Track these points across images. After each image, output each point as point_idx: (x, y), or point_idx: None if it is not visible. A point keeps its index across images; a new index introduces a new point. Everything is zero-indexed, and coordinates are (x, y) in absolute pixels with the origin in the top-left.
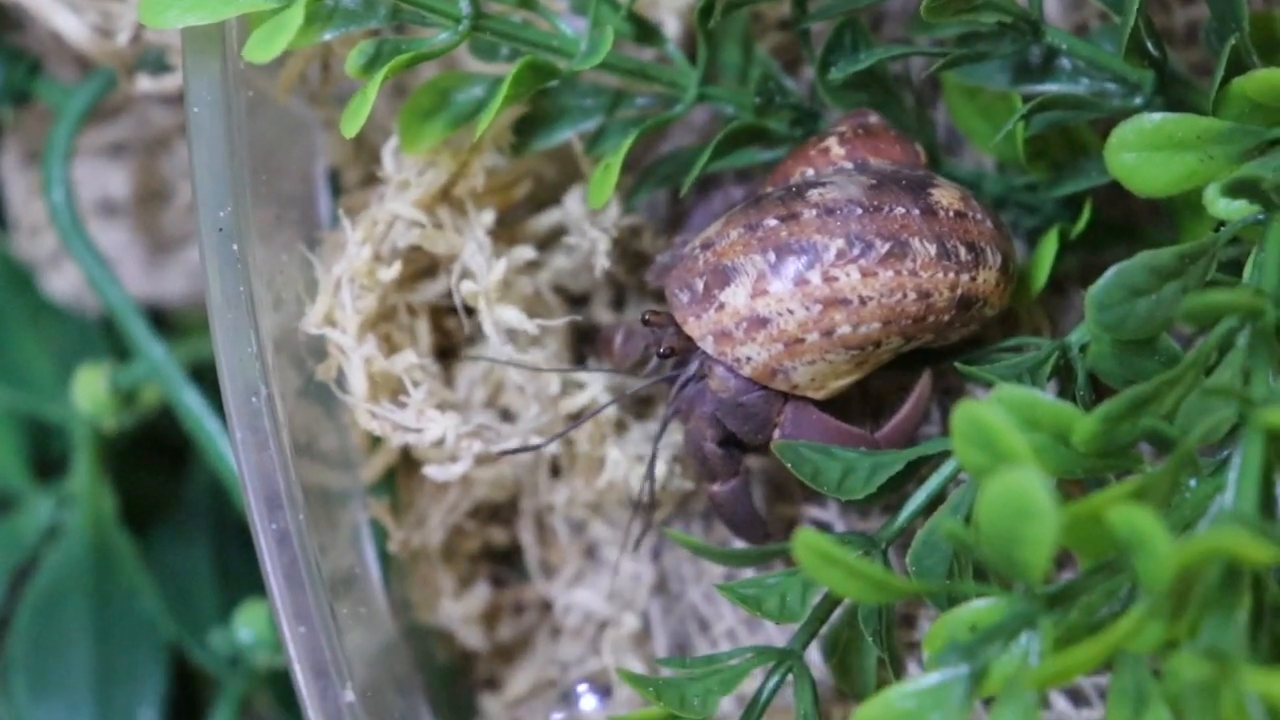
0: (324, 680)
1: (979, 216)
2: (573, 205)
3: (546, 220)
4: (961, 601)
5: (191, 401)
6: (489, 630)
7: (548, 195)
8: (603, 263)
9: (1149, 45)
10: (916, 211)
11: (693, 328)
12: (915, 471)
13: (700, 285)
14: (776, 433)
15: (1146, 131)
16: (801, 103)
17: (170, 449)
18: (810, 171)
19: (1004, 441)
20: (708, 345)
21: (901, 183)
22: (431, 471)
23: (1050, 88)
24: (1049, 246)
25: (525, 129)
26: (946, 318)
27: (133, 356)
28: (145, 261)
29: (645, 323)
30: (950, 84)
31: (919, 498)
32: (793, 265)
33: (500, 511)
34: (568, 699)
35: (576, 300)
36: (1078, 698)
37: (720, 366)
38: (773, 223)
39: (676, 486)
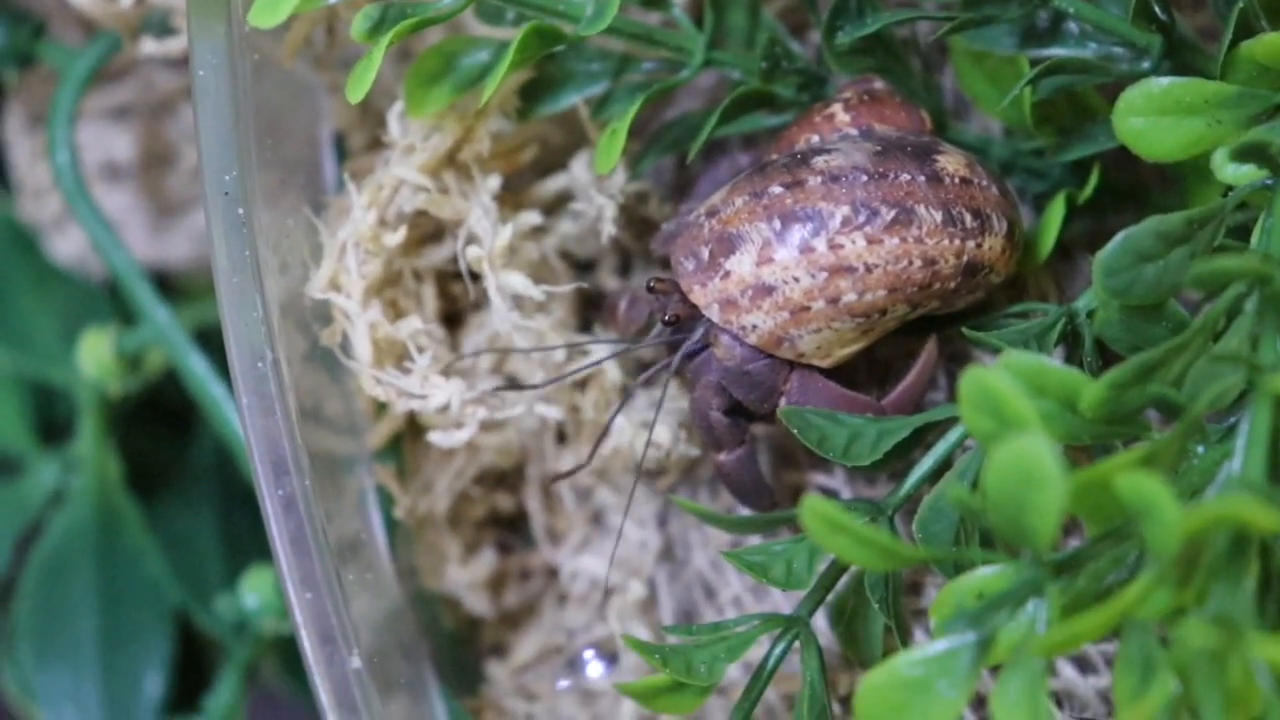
0: (330, 646)
1: (984, 183)
2: (579, 171)
3: (553, 185)
4: (968, 568)
5: (197, 366)
6: (495, 596)
7: (554, 160)
8: (609, 229)
9: (1156, 9)
10: (922, 178)
11: (698, 296)
12: (922, 438)
13: (705, 253)
14: (783, 400)
15: (1154, 96)
16: (808, 67)
17: (175, 414)
18: (816, 138)
19: (1012, 408)
20: (713, 313)
21: (907, 149)
22: (436, 438)
23: (1057, 52)
24: (1056, 212)
25: (531, 94)
26: (953, 284)
27: (138, 320)
28: (150, 225)
29: (650, 290)
30: (957, 48)
31: (926, 464)
32: (798, 232)
33: (506, 478)
34: (574, 665)
35: (583, 266)
36: (1085, 665)
37: (726, 335)
38: (778, 190)
39: (681, 453)
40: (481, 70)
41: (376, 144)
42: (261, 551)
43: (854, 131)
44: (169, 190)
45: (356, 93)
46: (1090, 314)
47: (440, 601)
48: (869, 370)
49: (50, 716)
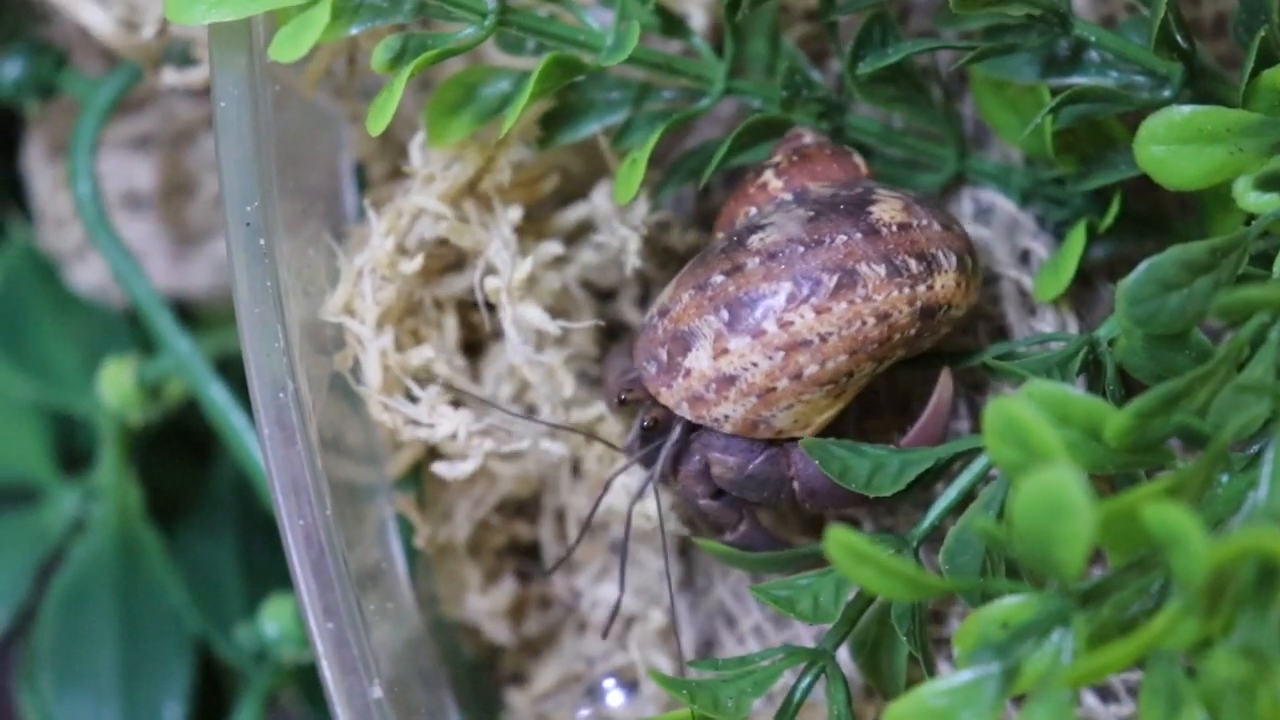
0: (351, 676)
1: (924, 222)
2: (600, 201)
3: (574, 215)
4: (994, 598)
5: (217, 395)
6: (515, 625)
7: (575, 189)
8: (633, 261)
9: (1178, 38)
10: (858, 235)
11: (666, 397)
12: (946, 469)
13: (664, 354)
14: (796, 485)
15: (1176, 124)
16: (829, 95)
17: (196, 443)
18: (753, 210)
19: (1037, 438)
20: (684, 411)
21: (840, 208)
22: (440, 469)
23: (1079, 80)
24: (1076, 240)
25: (551, 123)
26: (913, 331)
27: (158, 350)
28: (170, 254)
29: (622, 403)
30: (978, 77)
31: (949, 495)
32: (747, 318)
33: (525, 507)
34: (594, 694)
35: (604, 295)
36: (1107, 694)
37: (713, 442)
38: (719, 279)
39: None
40: (502, 100)
41: (397, 173)
42: (282, 580)
43: (788, 196)
44: (190, 219)
45: (378, 125)
46: (1112, 342)
47: (460, 630)
48: (890, 397)
49: None
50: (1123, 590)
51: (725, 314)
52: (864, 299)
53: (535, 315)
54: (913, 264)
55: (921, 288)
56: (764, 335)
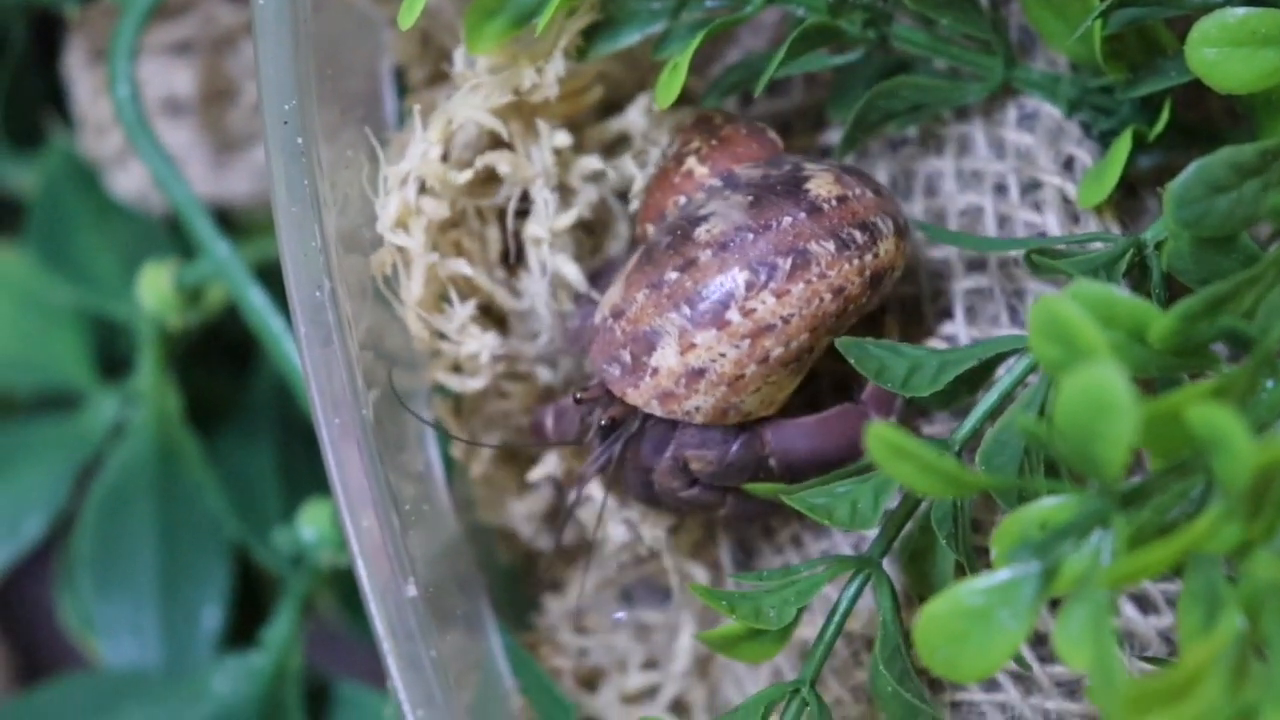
0: (386, 574)
1: (858, 191)
2: (636, 117)
3: (614, 126)
4: (1032, 500)
5: (256, 299)
6: (551, 530)
7: (617, 99)
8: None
9: None
10: (802, 214)
11: (634, 397)
12: (986, 370)
13: (627, 356)
14: (772, 462)
15: (1229, 26)
16: (874, 2)
17: (235, 349)
18: (682, 199)
19: (1082, 337)
20: (654, 409)
21: (777, 189)
22: (449, 380)
23: None
24: (1122, 146)
25: (591, 33)
26: (864, 299)
27: (198, 255)
28: (210, 161)
29: (578, 401)
30: None
31: (989, 399)
32: (709, 311)
33: None
34: (629, 599)
35: None
36: (1145, 604)
37: (685, 440)
38: (674, 275)
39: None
40: (538, 4)
41: (438, 78)
42: (319, 486)
43: (717, 182)
44: (229, 126)
45: (407, 19)
46: (1158, 245)
47: (497, 535)
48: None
49: (109, 648)
50: (1163, 493)
51: (686, 309)
52: (819, 276)
53: (570, 271)
54: (858, 235)
55: (869, 256)
56: (729, 325)
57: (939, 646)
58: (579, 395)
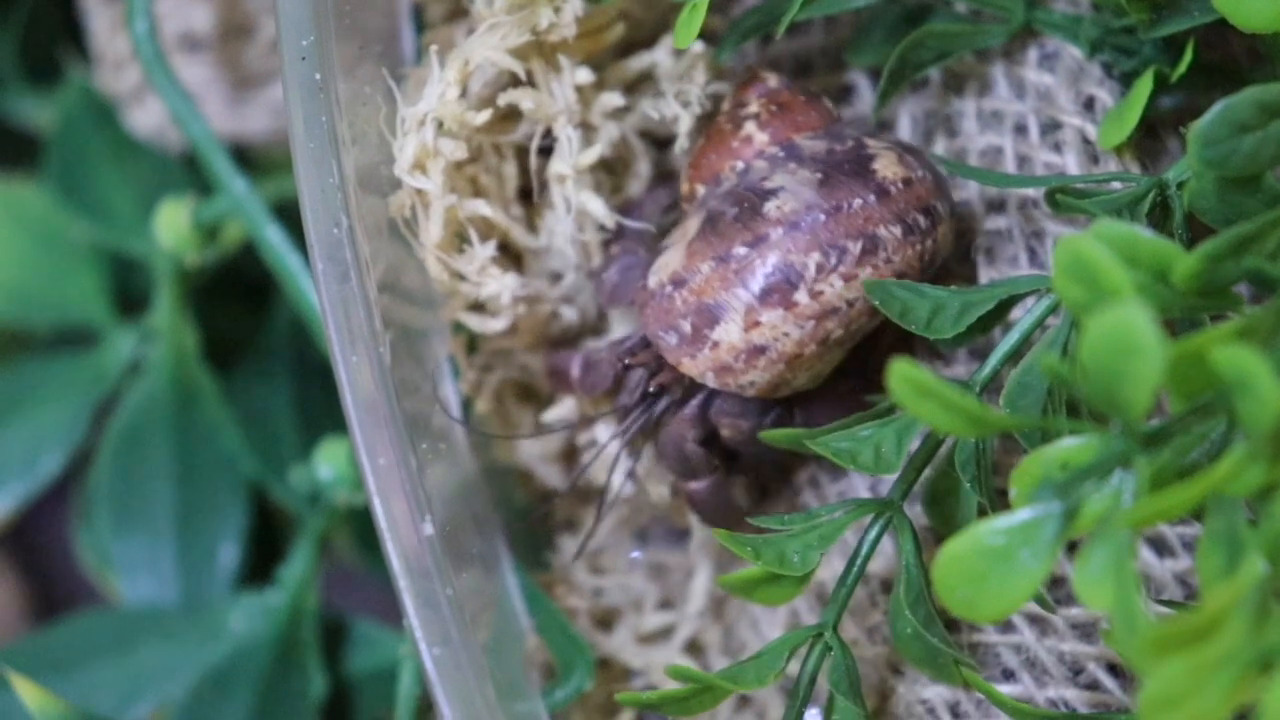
0: (402, 513)
1: (920, 173)
2: (662, 57)
3: (636, 64)
4: (1054, 440)
5: (273, 237)
6: (567, 470)
7: (638, 37)
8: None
9: None
10: (872, 198)
11: (689, 367)
12: (1006, 310)
13: (687, 326)
14: (797, 422)
15: None
16: None
17: (252, 288)
18: (740, 164)
19: (1106, 276)
20: (709, 380)
21: (845, 167)
22: (469, 320)
23: None
24: (1144, 86)
25: None
26: (917, 280)
27: (215, 192)
28: (228, 98)
29: (626, 367)
30: None
31: (1011, 339)
32: (778, 291)
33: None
34: (645, 538)
35: (662, 144)
36: (1162, 548)
37: (724, 408)
38: (742, 251)
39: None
40: None
41: (456, 14)
42: (337, 425)
43: (778, 151)
44: (247, 63)
45: None
46: (1181, 186)
47: (513, 475)
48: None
49: (126, 585)
50: (1185, 435)
51: (755, 287)
52: (885, 261)
53: (595, 206)
54: (921, 220)
55: (929, 241)
56: (796, 306)
57: (958, 587)
58: (628, 360)
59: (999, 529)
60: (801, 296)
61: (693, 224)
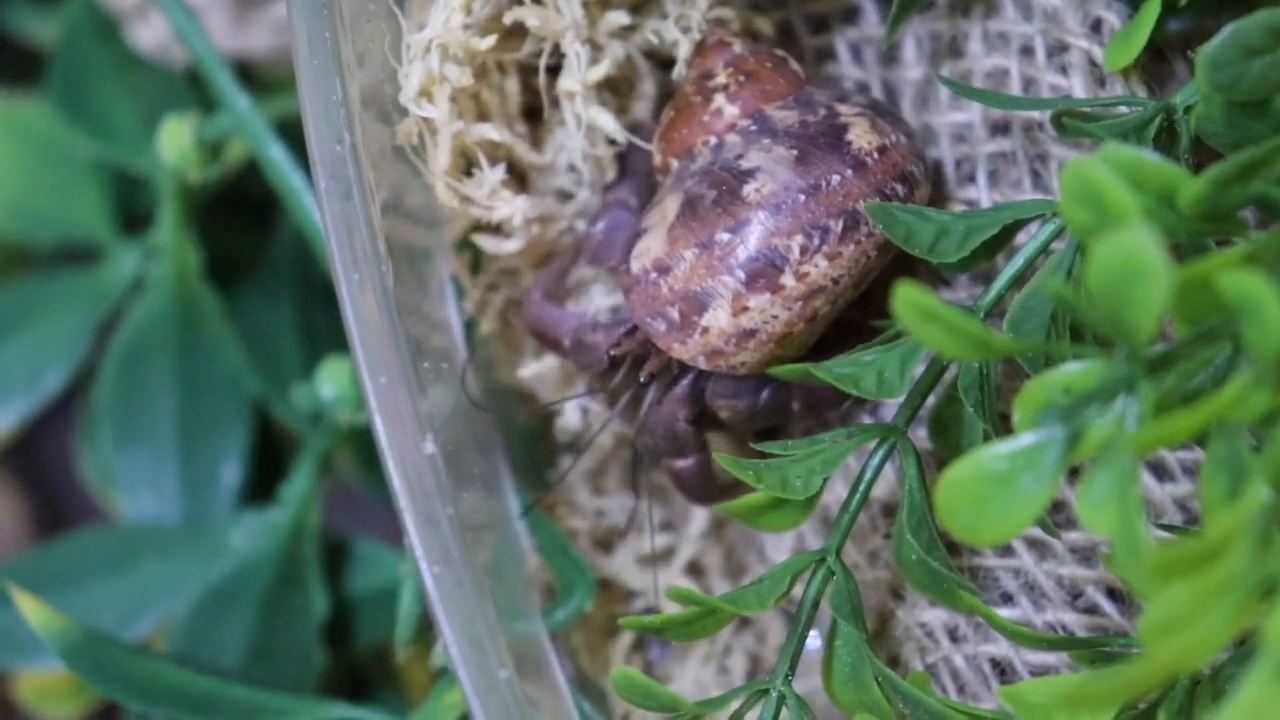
0: (403, 431)
1: (894, 138)
2: None
3: None
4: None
5: (276, 155)
6: (565, 392)
7: None
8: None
9: None
10: (849, 172)
11: (680, 352)
12: (1008, 238)
13: (675, 314)
14: (795, 405)
15: None
16: None
17: (255, 206)
18: (712, 140)
19: (1113, 201)
20: (700, 364)
21: (819, 141)
22: (485, 242)
23: None
24: (1151, 10)
25: None
26: (896, 249)
27: (218, 109)
28: (231, 14)
29: (613, 360)
30: None
31: (1016, 264)
32: (763, 276)
33: None
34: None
35: (666, 64)
36: (1162, 472)
37: (719, 390)
38: (725, 237)
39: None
40: None
41: None
42: (339, 344)
43: (749, 124)
44: None
45: None
46: (1188, 110)
47: (515, 396)
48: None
49: (129, 501)
50: (1189, 360)
51: (740, 273)
52: (867, 236)
53: (605, 121)
54: (899, 188)
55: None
56: (783, 290)
57: (960, 511)
58: (614, 351)
59: (1001, 454)
60: (787, 279)
61: (671, 205)
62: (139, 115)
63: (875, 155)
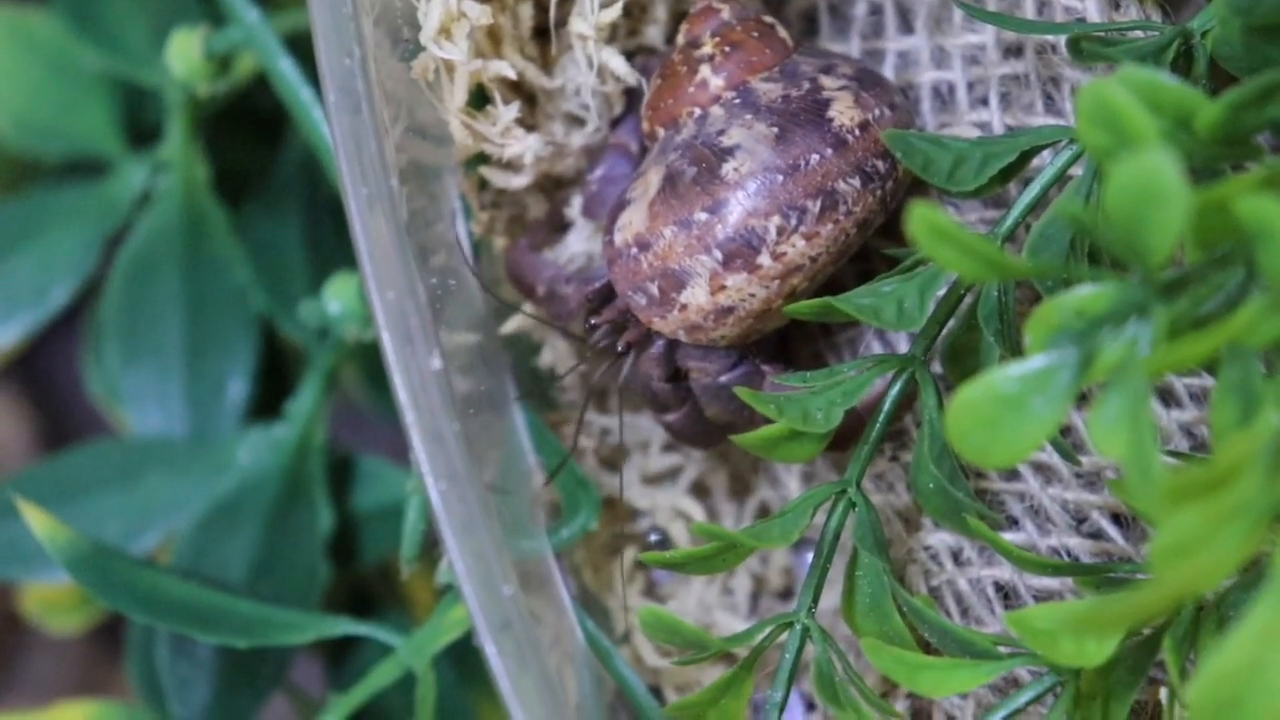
0: (410, 346)
1: (877, 113)
2: None
3: None
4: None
5: (286, 68)
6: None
7: None
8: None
9: None
10: (829, 151)
11: (660, 326)
12: (1025, 163)
13: (655, 289)
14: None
15: None
16: None
17: (264, 121)
18: (697, 110)
19: (1131, 123)
20: (680, 337)
21: (800, 117)
22: (493, 176)
23: None
24: None
25: None
26: (881, 220)
27: (228, 22)
28: None
29: (592, 327)
30: None
31: (1032, 191)
32: (740, 256)
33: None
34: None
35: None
36: (1168, 398)
37: (690, 352)
38: (703, 216)
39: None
40: None
41: None
42: (347, 261)
43: (733, 96)
44: None
45: None
46: (1205, 35)
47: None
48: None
49: (135, 416)
50: (1202, 284)
51: (718, 253)
52: (846, 214)
53: (617, 64)
54: (880, 165)
55: (889, 184)
56: (760, 269)
57: (971, 432)
58: (593, 321)
59: (1013, 375)
60: (764, 259)
61: (653, 178)
62: (148, 28)
63: (857, 132)
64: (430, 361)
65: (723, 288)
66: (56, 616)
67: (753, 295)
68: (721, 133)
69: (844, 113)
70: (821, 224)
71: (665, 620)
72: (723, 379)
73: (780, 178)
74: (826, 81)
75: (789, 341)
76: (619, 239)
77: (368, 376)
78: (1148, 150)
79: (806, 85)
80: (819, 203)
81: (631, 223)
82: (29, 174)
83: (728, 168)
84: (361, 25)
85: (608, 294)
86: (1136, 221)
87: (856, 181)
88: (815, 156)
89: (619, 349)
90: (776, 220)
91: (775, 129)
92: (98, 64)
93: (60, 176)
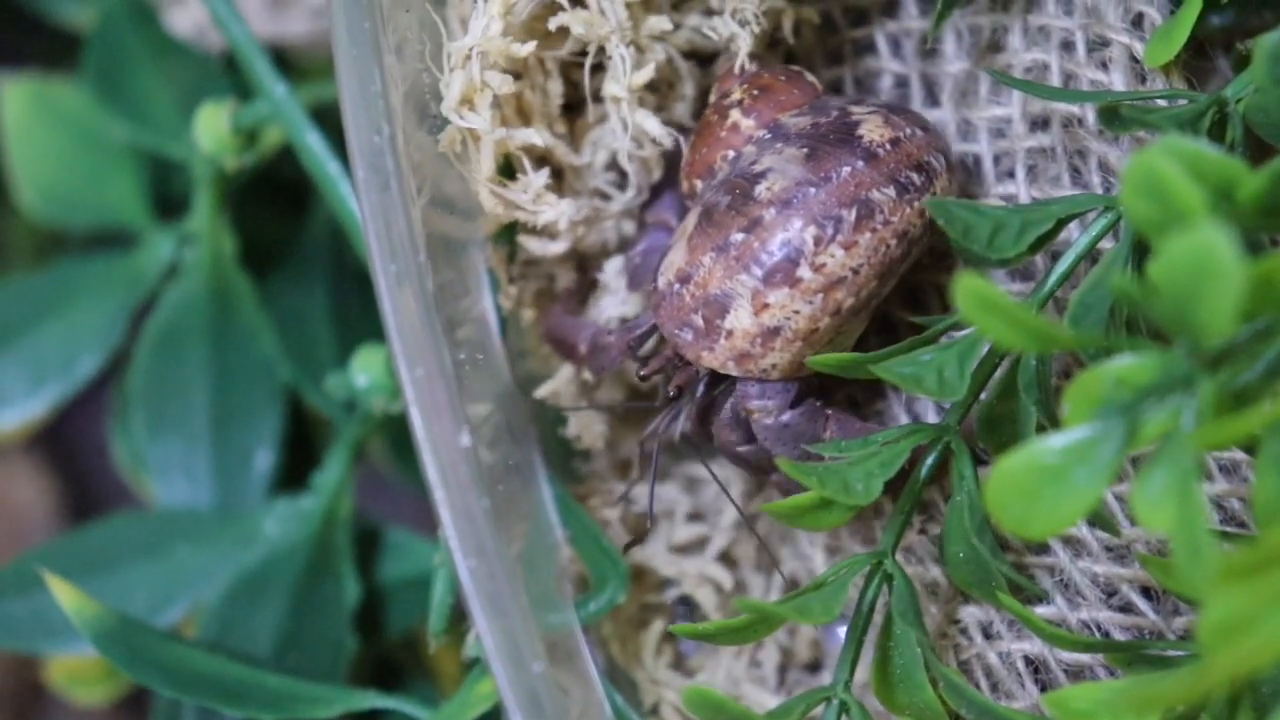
0: (441, 423)
1: (908, 131)
2: None
3: None
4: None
5: (313, 142)
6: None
7: None
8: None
9: None
10: (860, 163)
11: (709, 360)
12: (1058, 231)
13: (700, 321)
14: (827, 434)
15: None
16: None
17: (291, 192)
18: (731, 153)
19: (1179, 194)
20: (730, 369)
21: (830, 138)
22: (531, 244)
23: None
24: (1193, 5)
25: None
26: (925, 238)
27: (255, 96)
28: (268, 1)
29: (643, 379)
30: None
31: (1068, 259)
32: (780, 270)
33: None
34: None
35: (705, 59)
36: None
37: (751, 387)
38: (740, 236)
39: None
40: None
41: None
42: (374, 333)
43: (764, 134)
44: None
45: None
46: (1238, 103)
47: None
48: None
49: (161, 487)
50: (1249, 356)
51: (757, 270)
52: (883, 224)
53: (651, 125)
54: (915, 177)
55: (929, 195)
56: (801, 282)
57: (1011, 503)
58: (643, 373)
59: (1055, 447)
60: (804, 272)
61: (691, 219)
62: (175, 100)
63: (888, 146)
64: (459, 438)
65: (766, 306)
66: (82, 688)
67: (797, 312)
68: (754, 163)
69: (873, 131)
70: (859, 233)
71: (710, 699)
72: (784, 418)
73: (813, 189)
74: (855, 109)
75: (825, 382)
76: (662, 282)
77: (394, 447)
78: (1201, 225)
79: (835, 114)
80: (854, 211)
81: (673, 262)
82: (56, 245)
83: (760, 188)
84: (390, 101)
85: (652, 339)
86: (1189, 297)
87: (891, 191)
88: (846, 168)
89: (670, 394)
90: (813, 231)
91: (805, 149)
92: (125, 136)
93: (87, 248)
